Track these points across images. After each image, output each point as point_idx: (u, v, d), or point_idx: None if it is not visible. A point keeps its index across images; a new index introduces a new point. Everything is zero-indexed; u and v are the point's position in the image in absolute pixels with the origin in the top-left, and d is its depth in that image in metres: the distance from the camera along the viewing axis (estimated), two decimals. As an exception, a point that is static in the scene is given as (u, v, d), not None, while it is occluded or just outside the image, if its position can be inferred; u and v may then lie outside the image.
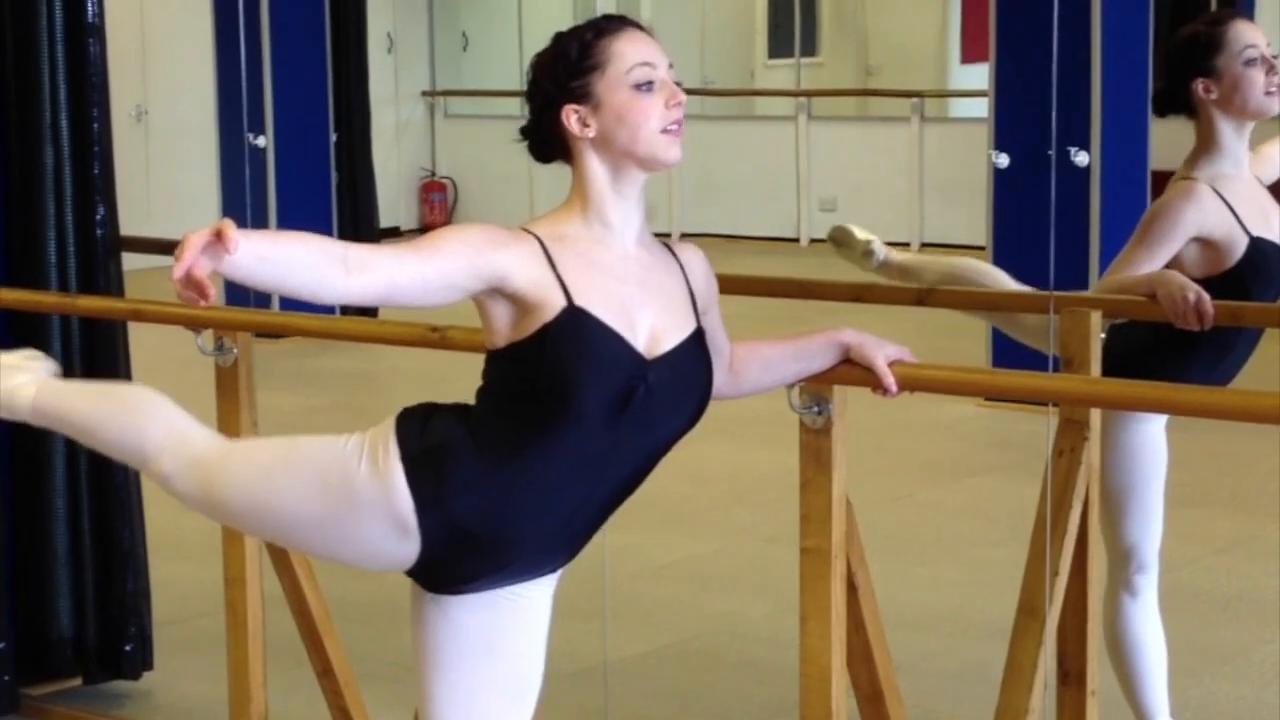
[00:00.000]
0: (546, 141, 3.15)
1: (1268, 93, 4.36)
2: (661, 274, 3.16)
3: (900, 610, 5.74)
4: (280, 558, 4.55)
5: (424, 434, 3.08)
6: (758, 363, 3.37)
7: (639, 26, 3.16)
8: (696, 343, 3.16)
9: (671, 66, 3.14)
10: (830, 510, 3.56)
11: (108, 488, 5.37)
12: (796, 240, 15.57)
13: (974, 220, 11.44)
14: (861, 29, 17.64)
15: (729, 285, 5.26)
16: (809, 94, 15.96)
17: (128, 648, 5.43)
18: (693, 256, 3.25)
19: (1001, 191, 9.18)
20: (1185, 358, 4.37)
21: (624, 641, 5.62)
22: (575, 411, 3.00)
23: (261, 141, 11.00)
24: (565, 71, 3.10)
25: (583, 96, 3.09)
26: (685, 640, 5.98)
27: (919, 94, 15.34)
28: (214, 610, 5.50)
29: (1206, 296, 4.13)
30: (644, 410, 3.07)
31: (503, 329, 3.05)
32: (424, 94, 17.23)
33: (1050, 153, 8.57)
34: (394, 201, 16.12)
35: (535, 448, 3.02)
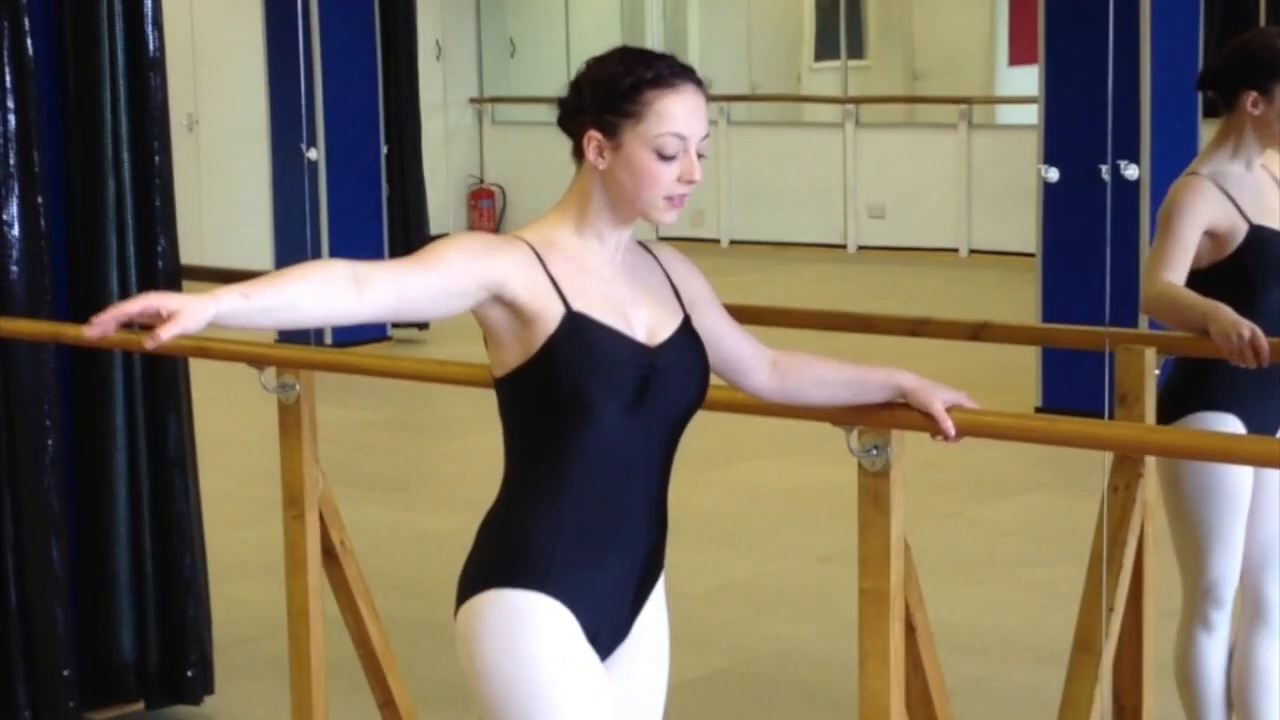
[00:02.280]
0: (570, 134, 3.19)
1: None
2: (645, 273, 3.24)
3: (953, 633, 5.77)
4: (343, 589, 4.61)
5: (486, 557, 3.17)
6: (812, 377, 3.41)
7: (697, 85, 3.16)
8: (687, 330, 3.24)
9: (706, 137, 3.15)
10: (889, 552, 3.60)
11: (169, 515, 5.44)
12: (844, 247, 15.58)
13: (1022, 228, 11.46)
14: (908, 31, 17.63)
15: (783, 317, 5.34)
16: (856, 101, 15.97)
17: (189, 673, 5.50)
18: (670, 254, 3.31)
19: (1051, 205, 9.17)
20: (1234, 389, 4.42)
21: (677, 666, 5.62)
22: (599, 416, 3.08)
23: (313, 154, 11.07)
24: (606, 99, 3.12)
25: (609, 132, 3.11)
26: (738, 664, 6.02)
27: (967, 100, 15.33)
28: (274, 633, 5.57)
29: (1260, 333, 4.16)
30: (660, 394, 3.15)
31: (509, 343, 3.10)
32: (472, 101, 17.28)
33: (1103, 169, 8.56)
34: (443, 209, 16.17)
35: (575, 462, 3.09)
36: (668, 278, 3.28)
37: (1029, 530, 7.49)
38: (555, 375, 3.07)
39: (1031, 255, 9.53)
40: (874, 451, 3.55)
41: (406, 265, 2.99)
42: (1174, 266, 4.38)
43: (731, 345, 3.34)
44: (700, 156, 3.14)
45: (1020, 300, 9.90)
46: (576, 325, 3.08)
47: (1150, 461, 4.11)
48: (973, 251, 14.87)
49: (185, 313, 2.72)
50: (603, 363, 3.09)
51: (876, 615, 3.62)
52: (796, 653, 6.12)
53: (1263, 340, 4.16)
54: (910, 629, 3.70)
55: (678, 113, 3.10)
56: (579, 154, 3.17)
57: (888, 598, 3.61)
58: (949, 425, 3.40)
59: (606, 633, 3.20)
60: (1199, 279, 4.46)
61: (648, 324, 3.18)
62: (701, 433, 9.62)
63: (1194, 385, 4.42)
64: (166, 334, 2.72)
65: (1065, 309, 8.73)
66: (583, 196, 3.17)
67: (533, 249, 3.11)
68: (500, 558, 3.15)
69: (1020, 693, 5.65)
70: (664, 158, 3.09)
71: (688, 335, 3.23)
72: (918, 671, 3.75)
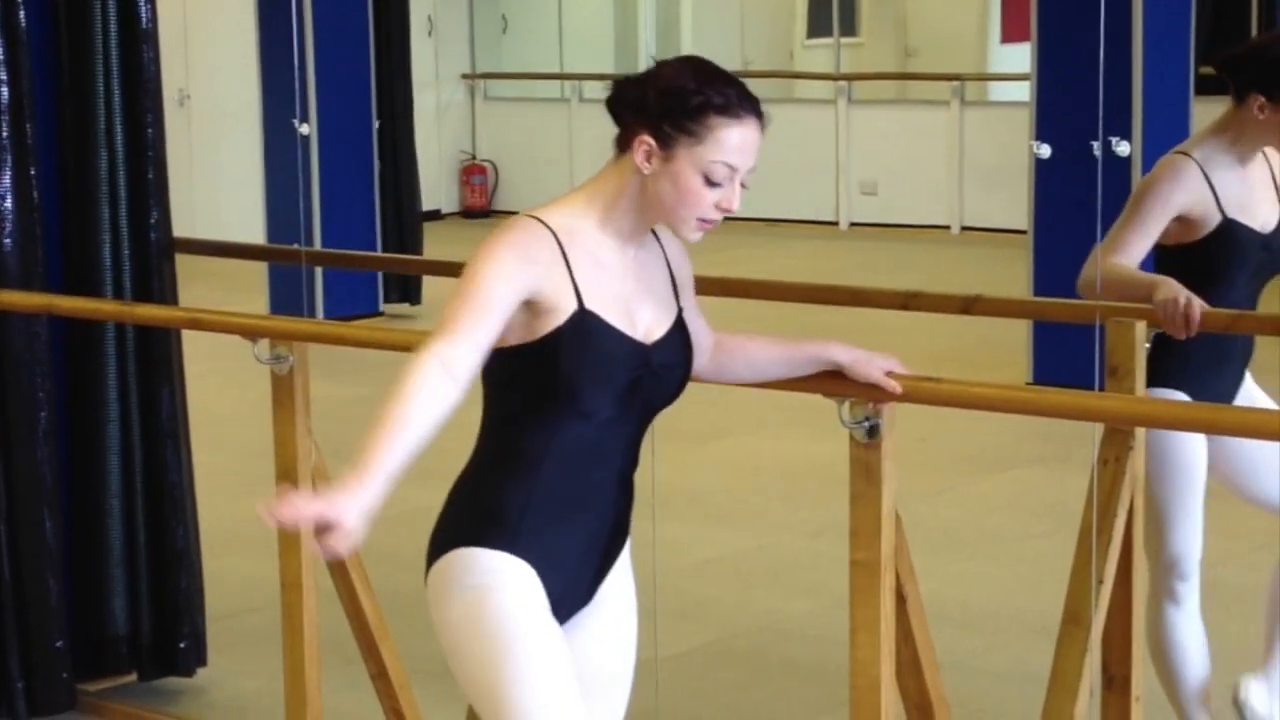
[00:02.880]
0: (620, 122, 3.20)
1: None
2: (652, 268, 3.28)
3: (944, 607, 5.79)
4: (336, 563, 4.62)
5: (456, 519, 3.23)
6: (743, 358, 3.50)
7: (759, 119, 3.18)
8: (680, 326, 3.29)
9: (753, 170, 3.19)
10: (880, 524, 3.62)
11: (162, 488, 5.45)
12: (836, 224, 15.59)
13: (1014, 205, 11.47)
14: (900, 8, 17.63)
15: (776, 291, 5.36)
16: (848, 78, 15.98)
17: (182, 645, 5.51)
18: (671, 241, 3.34)
19: (1043, 181, 9.19)
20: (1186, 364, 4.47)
21: (668, 639, 5.66)
22: (587, 407, 3.14)
23: (305, 129, 11.07)
24: (669, 109, 3.12)
25: (665, 142, 3.13)
26: (729, 638, 6.04)
27: (959, 77, 15.34)
28: (266, 605, 5.58)
29: (1197, 305, 4.19)
30: (647, 391, 3.21)
31: (513, 326, 3.13)
32: (464, 77, 17.27)
33: (1095, 145, 8.56)
34: (435, 185, 16.17)
35: (554, 440, 3.13)
36: (668, 265, 3.31)
37: (1020, 505, 7.52)
38: (554, 364, 3.11)
39: (1023, 232, 9.55)
40: (865, 423, 3.58)
41: (472, 320, 3.03)
42: (1128, 251, 4.42)
43: (695, 330, 3.39)
44: (743, 187, 3.18)
45: (1012, 276, 9.92)
46: (584, 323, 3.12)
47: (1140, 435, 4.13)
48: (964, 228, 14.89)
49: (347, 524, 2.90)
50: (601, 361, 3.13)
51: (867, 586, 3.64)
52: (787, 627, 6.14)
53: (1196, 311, 4.20)
54: (901, 600, 3.72)
55: (735, 144, 3.14)
56: (623, 145, 3.19)
57: (878, 569, 3.63)
58: (893, 385, 3.47)
59: (570, 598, 3.25)
60: (1163, 255, 4.54)
61: (648, 321, 3.23)
62: (694, 408, 9.65)
63: (1151, 362, 4.42)
64: (343, 548, 2.93)
65: (1056, 285, 8.69)
66: (616, 190, 3.20)
67: (556, 239, 3.13)
68: (469, 520, 3.20)
69: (1011, 666, 5.67)
70: (711, 183, 3.13)
71: (680, 331, 3.29)
72: (908, 642, 3.77)
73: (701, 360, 3.41)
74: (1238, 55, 4.54)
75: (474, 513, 3.20)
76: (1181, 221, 4.49)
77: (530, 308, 3.11)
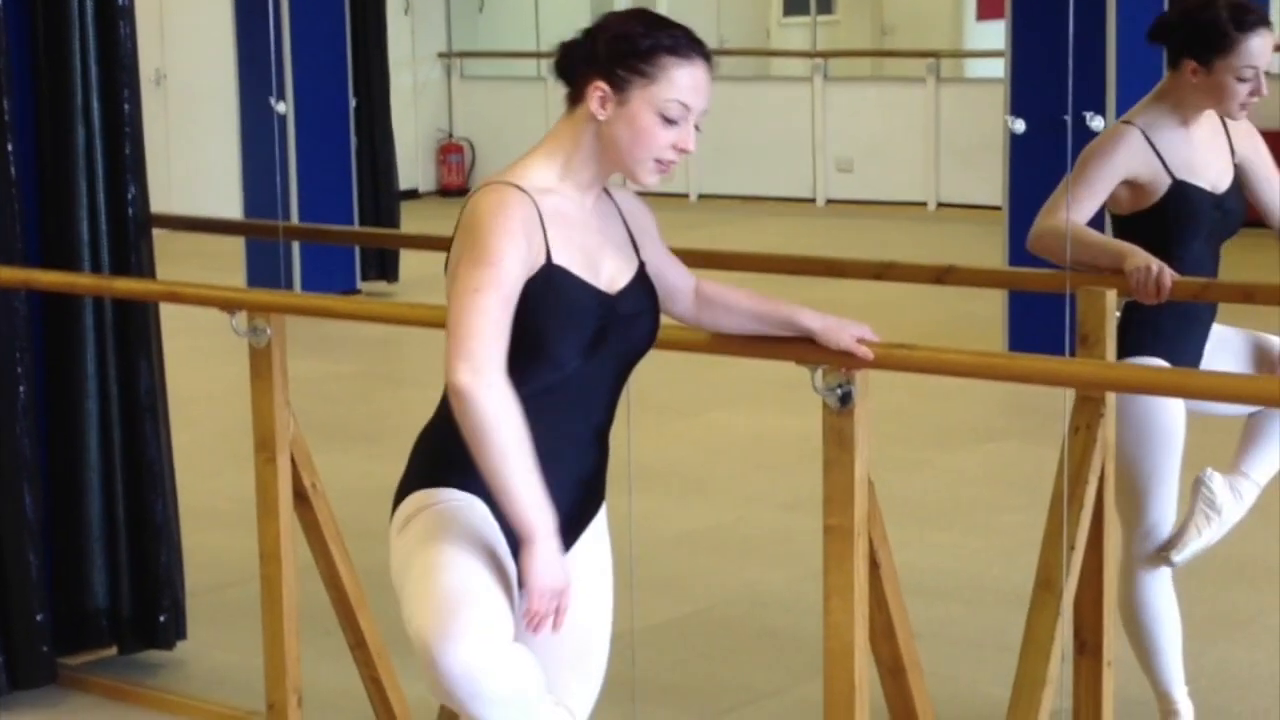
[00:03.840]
0: (569, 79, 3.30)
1: (1241, 104, 4.54)
2: (611, 221, 3.36)
3: (919, 577, 5.84)
4: (314, 531, 4.65)
5: (419, 466, 3.31)
6: (723, 304, 3.58)
7: (708, 61, 3.27)
8: (642, 276, 3.36)
9: (706, 112, 3.28)
10: (853, 490, 3.66)
11: (141, 461, 5.47)
12: (813, 201, 15.62)
13: (990, 181, 11.51)
14: (877, -14, 17.67)
15: (751, 262, 5.39)
16: (824, 55, 16.00)
17: (162, 618, 5.53)
18: (624, 196, 3.44)
19: (1018, 156, 9.23)
20: (1155, 331, 4.51)
21: (645, 611, 5.71)
22: (554, 356, 3.21)
23: (281, 107, 11.06)
24: (621, 54, 3.22)
25: (619, 86, 3.22)
26: (706, 609, 6.08)
27: (935, 54, 15.37)
28: (245, 579, 5.62)
29: (1167, 273, 4.24)
30: (615, 339, 3.28)
31: None
32: (440, 55, 17.27)
33: (1066, 118, 8.61)
34: (411, 163, 16.17)
35: (522, 390, 3.14)
36: (624, 223, 3.39)
37: (994, 477, 7.56)
38: (521, 315, 3.16)
39: (999, 208, 9.59)
40: (838, 390, 3.61)
41: (499, 309, 3.10)
42: (1081, 209, 4.46)
43: (669, 276, 3.48)
44: (697, 129, 3.26)
45: (988, 251, 9.96)
46: (553, 276, 3.19)
47: (1111, 402, 4.17)
48: (941, 204, 14.93)
49: (565, 591, 3.13)
50: (568, 311, 3.20)
51: (840, 552, 3.68)
52: (764, 597, 6.18)
53: (1168, 279, 4.25)
54: (874, 565, 3.76)
55: (688, 83, 3.23)
56: (574, 99, 3.27)
57: (851, 534, 3.67)
58: (864, 351, 3.53)
59: None
60: (1120, 224, 4.58)
61: (611, 271, 3.30)
62: (670, 383, 9.71)
63: (1119, 332, 4.46)
64: (562, 621, 3.13)
65: (1031, 258, 8.76)
66: (572, 142, 3.27)
67: (533, 201, 3.21)
68: (432, 466, 3.27)
69: (985, 635, 5.72)
70: (666, 121, 3.22)
71: (642, 282, 3.36)
72: (881, 607, 3.81)
73: (684, 304, 3.53)
74: (1169, 22, 4.59)
75: (437, 459, 3.27)
76: (1132, 188, 4.53)
77: None
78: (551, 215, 3.22)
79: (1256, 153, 4.69)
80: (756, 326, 3.58)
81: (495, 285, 3.10)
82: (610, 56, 3.22)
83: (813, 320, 3.54)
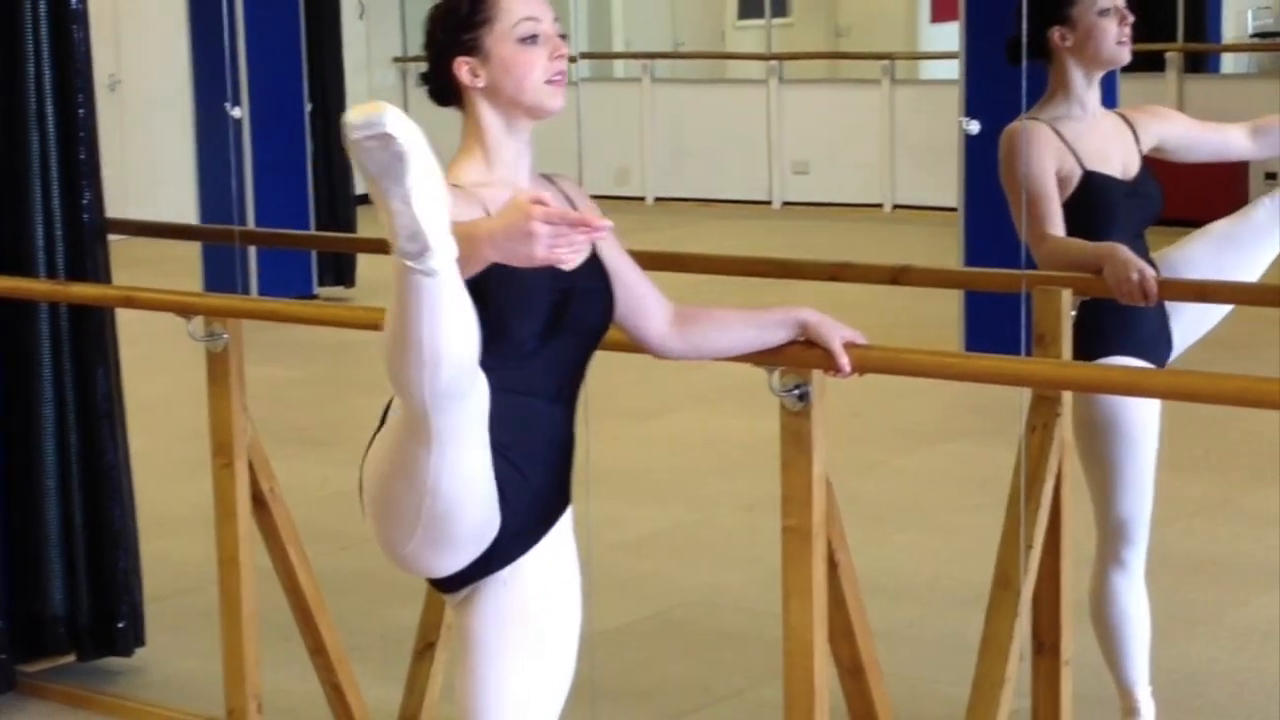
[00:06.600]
0: (443, 88, 3.36)
1: (1119, 42, 4.54)
2: (556, 203, 3.31)
3: (878, 578, 5.84)
4: (273, 536, 4.64)
5: (377, 437, 3.28)
6: (712, 322, 3.54)
7: None
8: (595, 259, 3.37)
9: (556, 20, 3.33)
10: (810, 490, 3.67)
11: (99, 467, 5.45)
12: (769, 203, 15.63)
13: (946, 183, 11.51)
14: (832, -12, 17.69)
15: (706, 264, 5.39)
16: (779, 57, 16.01)
17: (120, 625, 5.52)
18: (570, 184, 3.47)
19: (973, 157, 9.25)
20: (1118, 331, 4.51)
21: (604, 614, 5.70)
22: (515, 340, 3.21)
23: (237, 112, 11.04)
24: (457, 25, 3.31)
25: (473, 49, 3.29)
26: (665, 611, 6.08)
27: (889, 56, 15.40)
28: (203, 585, 5.60)
29: (1150, 273, 4.24)
30: (572, 317, 3.28)
31: None
32: (396, 60, 17.23)
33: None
34: (367, 168, 16.09)
35: (491, 374, 3.11)
36: (572, 205, 3.39)
37: (952, 478, 7.58)
38: (480, 303, 3.11)
39: (954, 210, 9.61)
40: (795, 391, 3.62)
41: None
42: (1053, 220, 4.46)
43: (634, 283, 3.46)
44: (563, 37, 3.32)
45: (944, 253, 9.98)
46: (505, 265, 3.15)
47: (1067, 401, 4.18)
48: (896, 206, 14.94)
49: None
50: (525, 295, 3.20)
51: (799, 553, 3.68)
52: (723, 599, 6.19)
53: (1152, 281, 4.24)
54: (833, 566, 3.76)
55: (521, 3, 3.30)
56: (458, 97, 3.33)
57: (810, 535, 3.67)
58: (844, 361, 3.53)
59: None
60: None
61: None
62: (628, 386, 9.70)
63: (1093, 332, 4.46)
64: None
65: (986, 259, 8.70)
66: (478, 129, 3.33)
67: (479, 199, 3.24)
68: (392, 430, 3.18)
69: (944, 635, 5.73)
70: (527, 41, 3.28)
71: (595, 263, 3.37)
72: (840, 608, 3.81)
73: (657, 324, 3.48)
74: (1024, 20, 4.58)
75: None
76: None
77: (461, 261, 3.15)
78: (493, 205, 3.22)
79: (1168, 119, 4.71)
80: (754, 334, 3.55)
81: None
82: (448, 32, 3.31)
83: (810, 314, 3.55)
